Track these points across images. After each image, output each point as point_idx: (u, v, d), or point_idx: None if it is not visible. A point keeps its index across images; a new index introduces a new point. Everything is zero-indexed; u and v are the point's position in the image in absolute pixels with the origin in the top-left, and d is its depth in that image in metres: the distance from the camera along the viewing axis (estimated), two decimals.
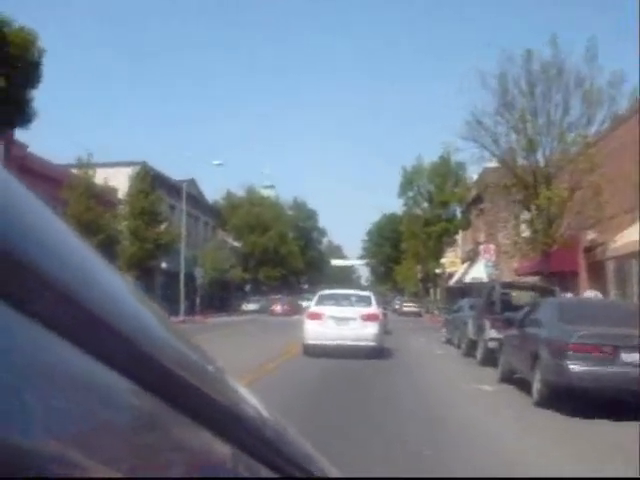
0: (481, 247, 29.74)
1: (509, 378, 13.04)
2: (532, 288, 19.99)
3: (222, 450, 0.59)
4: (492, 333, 16.11)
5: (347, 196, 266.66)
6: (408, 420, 9.11)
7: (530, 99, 24.37)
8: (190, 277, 47.97)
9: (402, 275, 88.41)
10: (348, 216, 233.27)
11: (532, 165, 24.01)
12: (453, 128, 42.19)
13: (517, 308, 16.22)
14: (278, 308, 56.12)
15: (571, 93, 24.05)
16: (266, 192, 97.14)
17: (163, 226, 40.55)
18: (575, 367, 9.48)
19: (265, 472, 0.67)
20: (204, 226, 66.28)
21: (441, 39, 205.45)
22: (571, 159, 22.33)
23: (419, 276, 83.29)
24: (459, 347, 21.42)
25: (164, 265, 44.33)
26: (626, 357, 9.42)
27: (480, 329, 17.32)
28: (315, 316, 17.24)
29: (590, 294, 19.12)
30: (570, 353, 9.53)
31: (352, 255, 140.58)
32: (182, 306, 43.51)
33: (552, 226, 22.60)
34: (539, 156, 24.04)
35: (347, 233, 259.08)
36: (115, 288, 0.47)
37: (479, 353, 17.33)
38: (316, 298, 18.62)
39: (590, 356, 9.51)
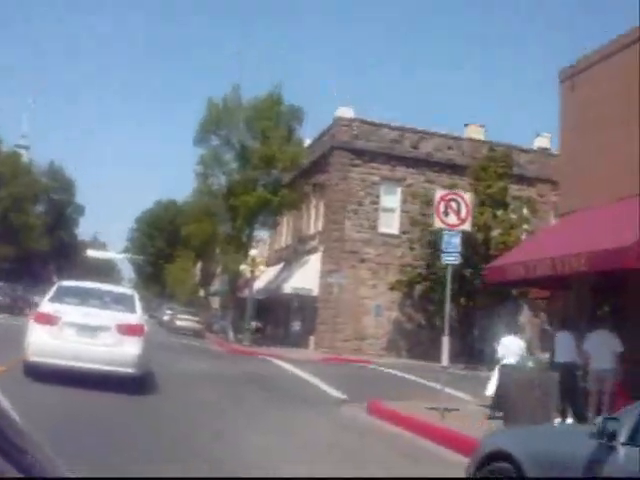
0: (438, 195, 12.04)
1: None
2: None
3: None
4: None
5: (119, 178, 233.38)
6: None
7: None
8: None
9: (174, 277, 69.56)
10: (115, 205, 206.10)
11: None
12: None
13: None
14: None
15: None
16: (19, 152, 75.27)
17: None
18: None
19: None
20: None
21: None
22: None
23: (196, 279, 65.38)
24: None
25: None
26: None
27: None
28: (46, 319, 11.51)
29: None
30: None
31: (117, 250, 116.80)
32: None
33: None
34: None
35: (113, 226, 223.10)
36: None
37: None
38: (52, 291, 12.54)
39: None
